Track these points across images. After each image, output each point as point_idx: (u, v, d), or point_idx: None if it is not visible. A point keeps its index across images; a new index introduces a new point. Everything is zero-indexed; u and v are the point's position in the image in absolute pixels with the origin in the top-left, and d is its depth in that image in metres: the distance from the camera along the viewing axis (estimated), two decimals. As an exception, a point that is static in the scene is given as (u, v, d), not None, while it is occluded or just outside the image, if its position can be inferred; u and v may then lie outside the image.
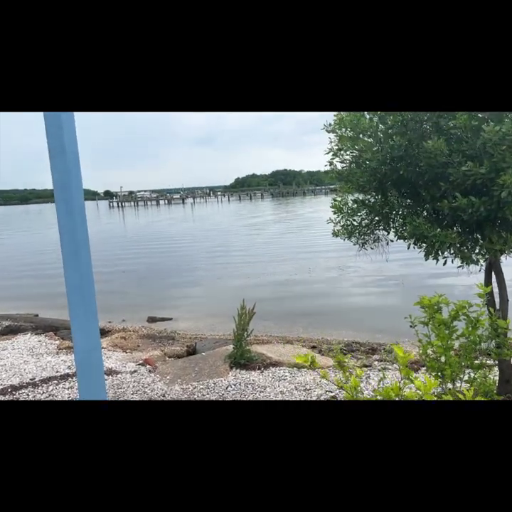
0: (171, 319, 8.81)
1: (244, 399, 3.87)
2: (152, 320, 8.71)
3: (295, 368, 4.68)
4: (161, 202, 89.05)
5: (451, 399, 1.63)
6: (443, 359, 2.39)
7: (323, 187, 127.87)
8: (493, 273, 3.47)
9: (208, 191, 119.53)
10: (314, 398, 3.94)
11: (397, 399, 1.59)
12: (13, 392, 4.03)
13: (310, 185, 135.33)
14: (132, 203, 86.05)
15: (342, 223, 3.59)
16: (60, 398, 3.91)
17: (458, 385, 2.48)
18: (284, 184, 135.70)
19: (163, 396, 4.02)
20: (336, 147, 3.37)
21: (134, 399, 3.98)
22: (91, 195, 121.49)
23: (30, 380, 4.35)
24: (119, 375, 4.54)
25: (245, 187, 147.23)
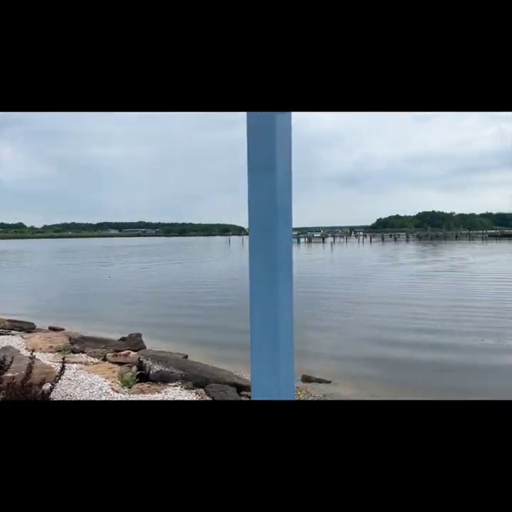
0: (328, 382, 7.40)
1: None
2: (307, 380, 7.41)
3: None
4: (301, 240, 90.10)
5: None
6: None
7: (479, 231, 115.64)
8: None
9: (348, 231, 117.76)
10: None
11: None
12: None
13: (462, 229, 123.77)
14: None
15: None
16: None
17: None
18: (432, 226, 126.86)
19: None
20: None
21: None
22: (237, 230, 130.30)
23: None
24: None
25: (388, 228, 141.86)
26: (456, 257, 38.71)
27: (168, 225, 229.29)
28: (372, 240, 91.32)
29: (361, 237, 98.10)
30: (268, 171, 1.08)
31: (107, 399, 3.63)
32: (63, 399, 3.93)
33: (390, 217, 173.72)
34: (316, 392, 6.74)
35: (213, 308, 14.07)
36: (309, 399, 6.35)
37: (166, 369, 6.21)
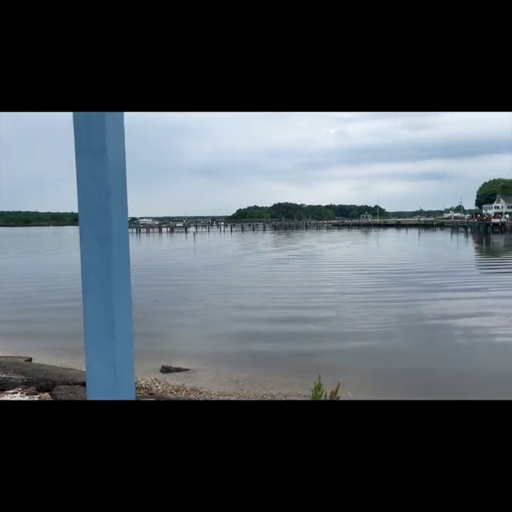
0: (187, 370, 7.47)
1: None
2: (167, 370, 7.36)
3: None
4: (164, 229, 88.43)
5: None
6: None
7: (325, 221, 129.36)
8: None
9: (210, 221, 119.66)
10: None
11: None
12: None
13: (311, 219, 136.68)
14: (134, 230, 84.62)
15: None
16: None
17: None
18: (286, 217, 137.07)
19: None
20: None
21: None
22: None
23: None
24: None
25: (247, 218, 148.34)
26: (306, 245, 42.64)
27: (8, 213, 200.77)
28: (233, 229, 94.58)
29: (223, 227, 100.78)
30: (98, 155, 1.00)
31: None
32: None
33: (248, 207, 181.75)
34: (175, 381, 6.75)
35: (63, 308, 12.85)
36: (168, 388, 6.33)
37: (3, 375, 5.50)
